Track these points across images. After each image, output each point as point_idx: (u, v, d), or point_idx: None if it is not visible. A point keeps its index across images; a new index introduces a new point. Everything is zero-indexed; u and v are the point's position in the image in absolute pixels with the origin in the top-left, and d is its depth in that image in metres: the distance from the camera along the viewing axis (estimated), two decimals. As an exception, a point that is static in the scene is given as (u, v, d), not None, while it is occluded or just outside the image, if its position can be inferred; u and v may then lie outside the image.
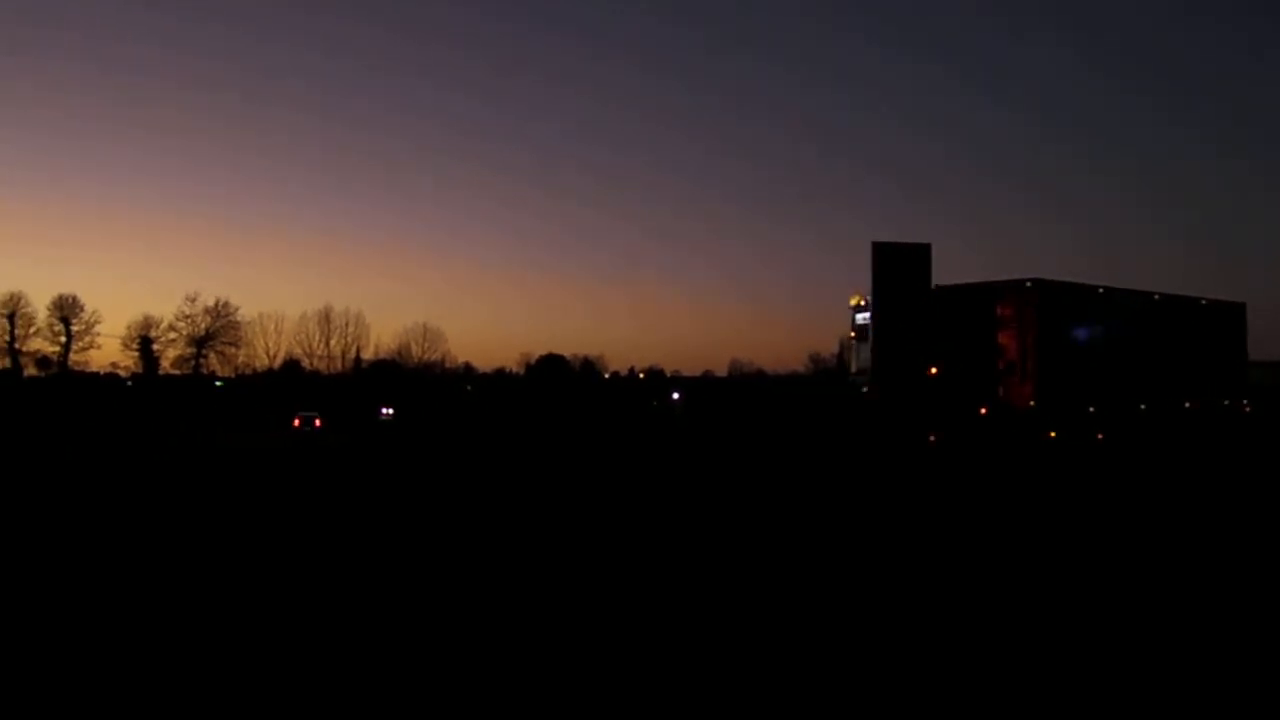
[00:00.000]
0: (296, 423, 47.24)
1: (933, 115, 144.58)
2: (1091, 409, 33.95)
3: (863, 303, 33.14)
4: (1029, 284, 32.86)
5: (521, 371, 77.68)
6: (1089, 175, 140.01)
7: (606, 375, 79.74)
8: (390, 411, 54.06)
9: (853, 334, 33.70)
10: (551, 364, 77.38)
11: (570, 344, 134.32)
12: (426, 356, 71.47)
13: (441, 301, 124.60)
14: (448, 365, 73.00)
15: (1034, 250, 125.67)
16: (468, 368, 76.20)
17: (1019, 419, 32.19)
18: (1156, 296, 37.78)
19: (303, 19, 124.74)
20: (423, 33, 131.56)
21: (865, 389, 33.82)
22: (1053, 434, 32.29)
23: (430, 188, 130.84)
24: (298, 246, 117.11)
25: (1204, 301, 38.66)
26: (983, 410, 32.17)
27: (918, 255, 32.33)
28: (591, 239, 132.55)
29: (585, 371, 78.19)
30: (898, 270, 31.64)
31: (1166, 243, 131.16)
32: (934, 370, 32.02)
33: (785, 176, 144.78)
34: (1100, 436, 33.06)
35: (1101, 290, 35.58)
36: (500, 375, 77.50)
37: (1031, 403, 32.51)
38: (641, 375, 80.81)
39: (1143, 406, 35.89)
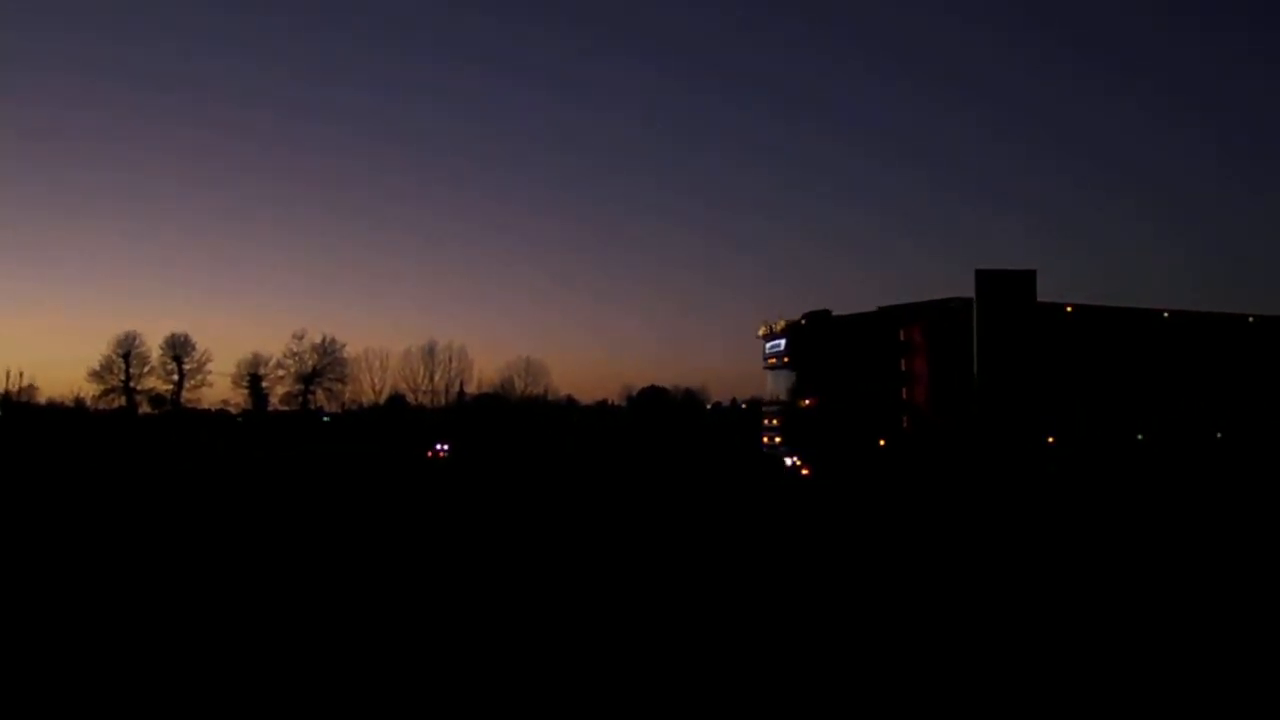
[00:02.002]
0: (430, 454, 52.43)
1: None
2: (1051, 439, 30.69)
3: (770, 331, 31.81)
4: (954, 303, 30.32)
5: (623, 404, 79.18)
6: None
7: (709, 406, 79.45)
8: (445, 448, 56.29)
9: (765, 365, 32.46)
10: (653, 395, 78.23)
11: (673, 376, 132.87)
12: (529, 390, 74.38)
13: (544, 335, 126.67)
14: (550, 399, 75.63)
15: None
16: (570, 400, 78.61)
17: (939, 451, 29.70)
18: (1166, 314, 33.42)
19: (404, 68, 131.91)
20: (516, 77, 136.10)
21: (766, 420, 32.41)
22: (986, 465, 29.67)
23: (531, 224, 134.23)
24: (402, 283, 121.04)
25: (1251, 319, 33.64)
26: (881, 442, 29.92)
27: (1023, 281, 30.46)
28: (694, 270, 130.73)
29: (687, 402, 78.35)
30: (1002, 297, 29.94)
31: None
32: (807, 401, 30.17)
33: (877, 204, 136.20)
34: (1054, 469, 29.89)
35: (1070, 309, 32.00)
36: (602, 407, 79.26)
37: (949, 432, 29.88)
38: (744, 405, 79.72)
39: (1140, 437, 31.89)
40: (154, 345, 66.23)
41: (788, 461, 30.48)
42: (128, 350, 63.83)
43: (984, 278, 29.97)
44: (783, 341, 30.78)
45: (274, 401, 67.25)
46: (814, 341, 30.04)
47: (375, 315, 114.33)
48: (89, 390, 67.60)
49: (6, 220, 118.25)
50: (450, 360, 72.57)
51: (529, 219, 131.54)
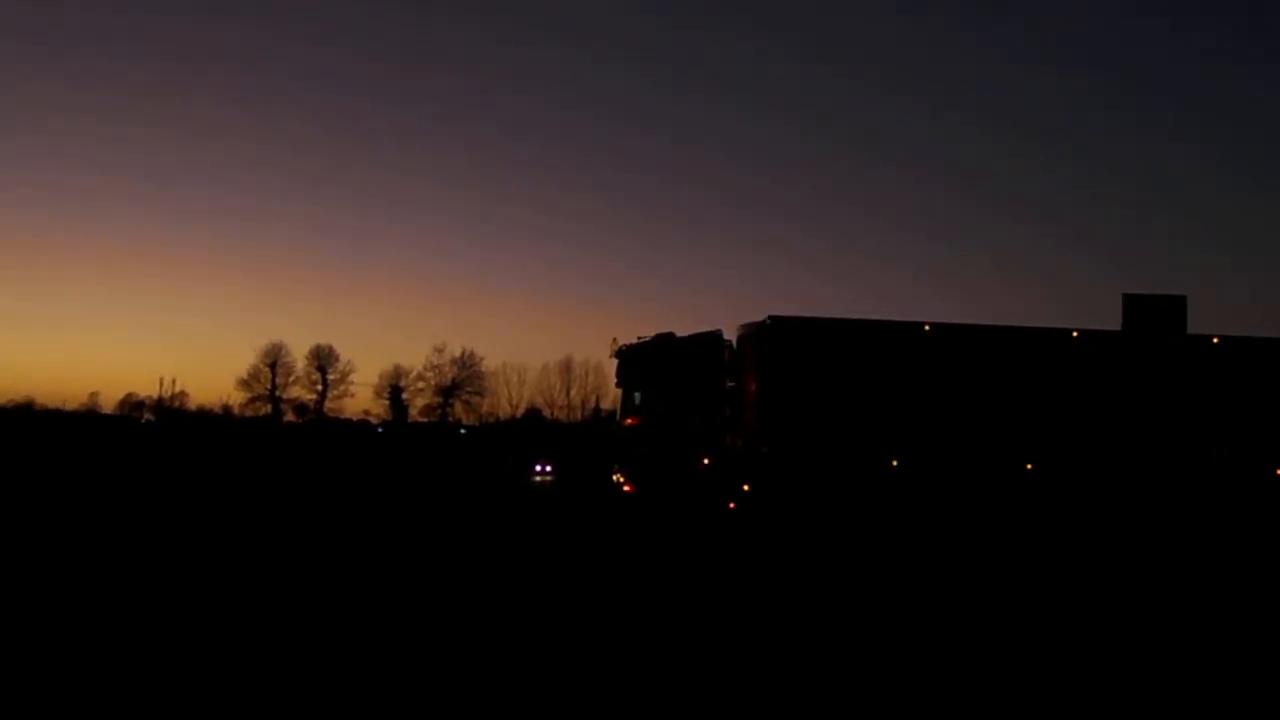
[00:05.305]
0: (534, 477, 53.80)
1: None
2: (895, 461, 29.80)
3: (624, 348, 32.91)
4: (768, 321, 30.47)
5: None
6: None
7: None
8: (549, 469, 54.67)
9: (616, 384, 33.75)
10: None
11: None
12: (665, 408, 75.25)
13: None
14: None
15: None
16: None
17: (757, 469, 29.96)
18: (1022, 330, 30.30)
19: (548, 83, 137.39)
20: (654, 88, 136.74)
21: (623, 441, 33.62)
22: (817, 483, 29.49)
23: (671, 242, 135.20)
24: (540, 299, 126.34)
25: (1075, 334, 30.06)
26: (705, 461, 30.43)
27: (1172, 307, 31.35)
28: (822, 280, 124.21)
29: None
30: (1150, 324, 31.04)
31: None
32: (630, 420, 31.10)
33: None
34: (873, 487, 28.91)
35: (920, 327, 29.57)
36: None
37: (765, 449, 29.94)
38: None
39: (1031, 463, 29.69)
40: (300, 356, 71.35)
41: (614, 479, 31.55)
42: (274, 360, 70.49)
43: (1132, 303, 29.28)
44: (616, 362, 31.94)
45: (414, 413, 73.19)
46: (638, 363, 30.93)
47: (514, 329, 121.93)
48: (236, 398, 73.98)
49: (162, 232, 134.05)
50: (587, 375, 75.89)
51: (668, 239, 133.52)
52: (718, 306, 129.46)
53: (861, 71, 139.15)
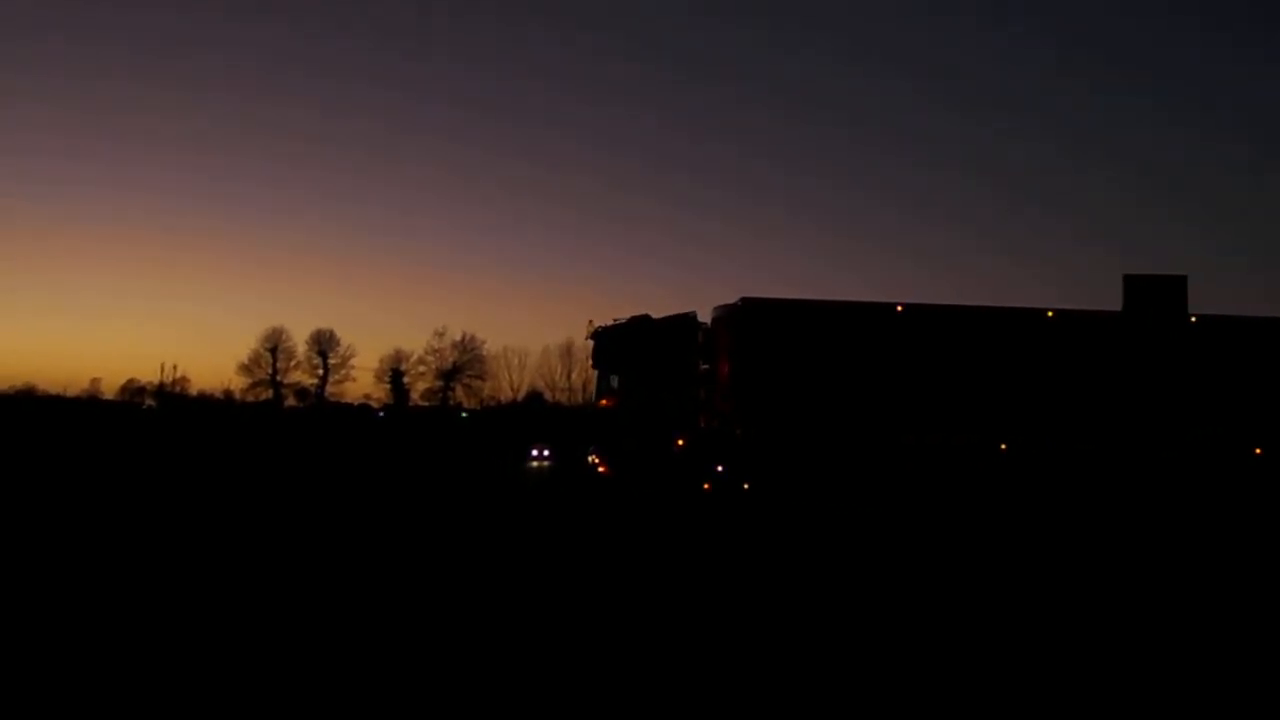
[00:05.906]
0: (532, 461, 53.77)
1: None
2: (868, 442, 29.65)
3: (599, 330, 32.97)
4: (740, 303, 30.43)
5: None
6: None
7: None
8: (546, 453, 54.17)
9: (592, 365, 33.85)
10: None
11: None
12: (666, 391, 75.15)
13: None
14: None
15: None
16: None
17: (731, 451, 30.10)
18: (999, 310, 29.64)
19: (549, 70, 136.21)
20: (657, 88, 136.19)
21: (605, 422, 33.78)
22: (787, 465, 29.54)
23: (670, 226, 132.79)
24: (541, 283, 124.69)
25: (1050, 314, 29.84)
26: (680, 442, 30.57)
27: (1173, 287, 31.45)
28: (830, 267, 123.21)
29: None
30: (1151, 304, 31.11)
31: None
32: (604, 402, 31.27)
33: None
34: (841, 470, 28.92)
35: (892, 308, 29.36)
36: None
37: (737, 431, 30.04)
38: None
39: (1005, 443, 29.69)
40: (300, 340, 70.59)
41: (590, 460, 31.72)
42: (275, 345, 69.28)
43: (1132, 284, 29.52)
44: (591, 344, 32.02)
45: (415, 397, 72.72)
46: (613, 345, 31.00)
47: (515, 313, 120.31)
48: (238, 383, 73.40)
49: (162, 218, 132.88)
50: (588, 359, 75.09)
51: (666, 222, 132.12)
52: (722, 291, 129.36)
53: (863, 58, 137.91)
